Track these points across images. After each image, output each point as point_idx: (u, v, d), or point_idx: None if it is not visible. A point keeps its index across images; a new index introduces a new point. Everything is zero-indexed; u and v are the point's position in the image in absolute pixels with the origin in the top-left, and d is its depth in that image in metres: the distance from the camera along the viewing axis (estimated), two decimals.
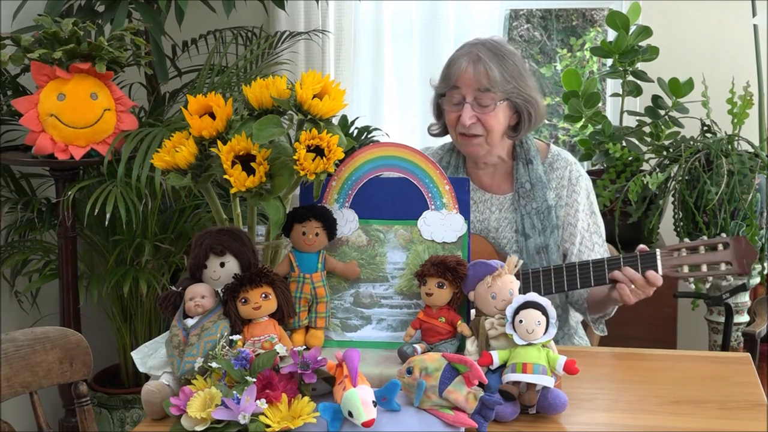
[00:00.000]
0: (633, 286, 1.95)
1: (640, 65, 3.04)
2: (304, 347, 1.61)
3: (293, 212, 1.72)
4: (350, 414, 1.42)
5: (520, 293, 1.61)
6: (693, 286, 2.65)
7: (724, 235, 2.01)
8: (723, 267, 1.94)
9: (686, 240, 2.07)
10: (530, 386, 1.54)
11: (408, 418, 1.47)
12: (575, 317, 2.29)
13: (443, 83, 2.20)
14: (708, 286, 2.33)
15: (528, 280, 2.00)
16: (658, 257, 1.95)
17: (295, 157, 1.64)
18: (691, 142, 2.87)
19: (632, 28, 2.98)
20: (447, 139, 2.36)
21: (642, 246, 2.00)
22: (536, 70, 4.13)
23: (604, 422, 1.55)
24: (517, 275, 1.99)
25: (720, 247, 1.95)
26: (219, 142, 1.68)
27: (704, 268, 1.95)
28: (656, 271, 1.95)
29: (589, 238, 2.21)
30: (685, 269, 1.95)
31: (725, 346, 2.73)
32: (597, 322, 2.19)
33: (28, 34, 2.48)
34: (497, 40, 2.21)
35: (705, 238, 1.97)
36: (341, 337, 1.76)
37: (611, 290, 2.00)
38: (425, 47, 3.32)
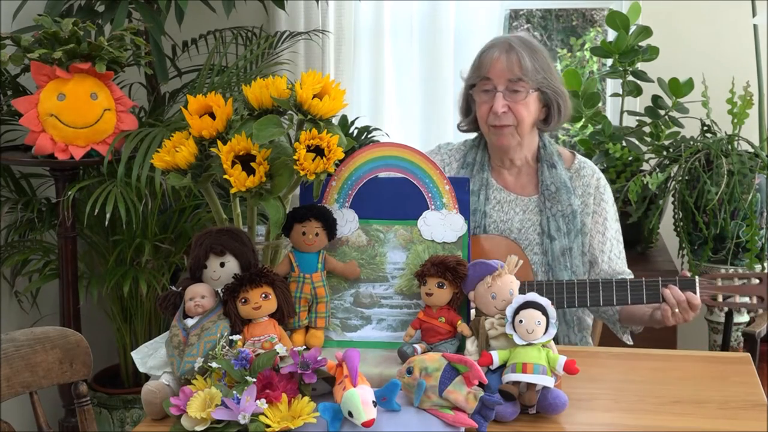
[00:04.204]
0: (677, 310, 1.98)
1: (640, 65, 3.04)
2: (304, 347, 1.61)
3: (293, 212, 1.72)
4: (350, 414, 1.42)
5: (560, 302, 1.59)
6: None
7: (758, 268, 2.03)
8: (755, 300, 2.00)
9: (722, 270, 2.12)
10: (530, 386, 1.54)
11: (408, 418, 1.47)
12: (586, 323, 2.28)
13: (474, 73, 2.21)
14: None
15: (573, 290, 2.01)
16: (697, 284, 1.99)
17: (295, 157, 1.64)
18: (691, 142, 2.87)
19: (632, 28, 2.99)
20: (468, 135, 2.35)
21: (683, 271, 2.05)
22: None
23: (604, 422, 1.55)
24: (562, 284, 2.01)
25: (754, 280, 2.01)
26: (219, 142, 1.68)
27: (737, 299, 2.01)
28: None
29: (617, 246, 2.23)
30: (720, 298, 2.01)
31: (725, 346, 2.73)
32: (623, 332, 2.20)
33: (28, 34, 2.48)
34: (527, 35, 2.25)
35: (740, 270, 2.03)
36: (341, 337, 1.76)
37: (655, 311, 2.03)
38: (425, 47, 3.32)
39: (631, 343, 2.22)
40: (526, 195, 2.24)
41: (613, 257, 2.21)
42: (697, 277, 2.01)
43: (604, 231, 2.22)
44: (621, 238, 2.26)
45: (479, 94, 2.19)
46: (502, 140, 2.18)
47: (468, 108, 2.27)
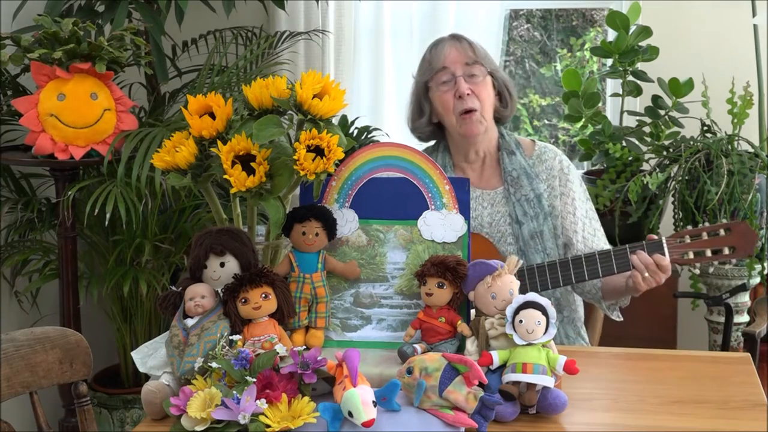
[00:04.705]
0: (646, 274, 2.00)
1: (640, 65, 3.04)
2: (304, 347, 1.61)
3: (293, 212, 1.72)
4: (350, 414, 1.42)
5: (534, 286, 1.60)
6: (692, 288, 2.66)
7: (724, 220, 2.04)
8: (727, 251, 1.99)
9: (689, 227, 2.12)
10: (530, 386, 1.54)
11: (408, 418, 1.47)
12: (578, 312, 2.29)
13: (428, 69, 2.26)
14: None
15: (544, 272, 2.03)
16: (665, 243, 2.00)
17: (295, 157, 1.64)
18: (691, 142, 2.87)
19: (632, 28, 2.98)
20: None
21: (650, 235, 2.06)
22: (536, 70, 4.13)
23: (604, 422, 1.55)
24: (533, 268, 2.02)
25: (722, 232, 2.01)
26: (219, 142, 1.68)
27: (708, 253, 1.99)
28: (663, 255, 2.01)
29: (590, 225, 2.25)
30: (690, 255, 2.00)
31: (725, 346, 2.73)
32: (611, 309, 2.21)
33: (28, 34, 2.48)
34: None
35: (707, 224, 2.04)
36: (341, 337, 1.76)
37: (628, 279, 2.05)
38: (425, 47, 3.31)
39: (621, 319, 2.24)
40: (491, 188, 2.27)
41: (587, 236, 2.23)
42: (663, 237, 2.02)
43: (574, 211, 2.24)
44: (595, 216, 2.28)
45: (438, 87, 2.24)
46: (472, 128, 2.21)
47: (421, 109, 2.29)
